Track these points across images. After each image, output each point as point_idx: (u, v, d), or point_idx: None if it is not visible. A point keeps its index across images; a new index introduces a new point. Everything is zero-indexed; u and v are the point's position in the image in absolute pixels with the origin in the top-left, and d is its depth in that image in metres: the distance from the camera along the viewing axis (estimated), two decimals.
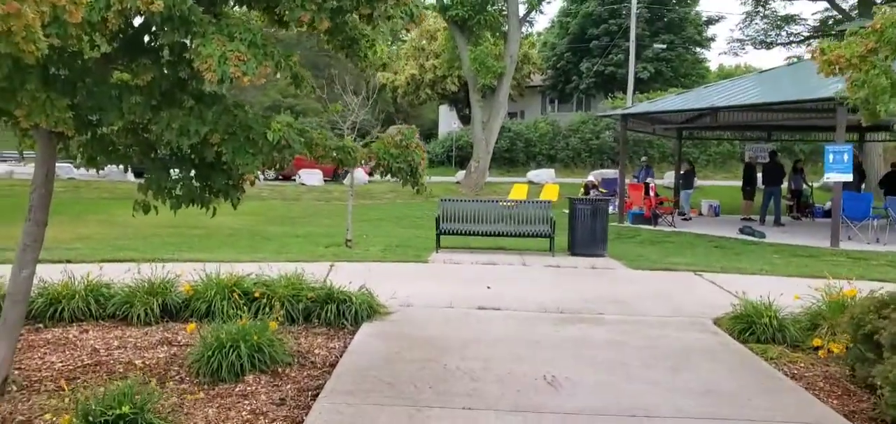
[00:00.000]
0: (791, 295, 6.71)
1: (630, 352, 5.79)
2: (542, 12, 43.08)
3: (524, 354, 5.62)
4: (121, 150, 4.58)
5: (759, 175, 18.71)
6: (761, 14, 31.33)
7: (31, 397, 4.42)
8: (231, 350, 4.84)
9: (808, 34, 31.16)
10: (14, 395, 4.42)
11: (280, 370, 5.05)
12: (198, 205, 4.44)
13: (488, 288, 8.17)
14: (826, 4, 29.77)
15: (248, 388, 4.69)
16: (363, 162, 4.84)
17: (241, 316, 5.50)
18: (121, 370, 5.03)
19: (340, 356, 5.45)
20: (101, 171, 4.79)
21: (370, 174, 27.61)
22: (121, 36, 4.19)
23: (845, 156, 13.19)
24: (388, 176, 4.70)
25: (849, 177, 13.40)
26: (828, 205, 19.23)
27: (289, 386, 4.77)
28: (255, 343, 4.96)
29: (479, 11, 25.12)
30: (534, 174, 29.17)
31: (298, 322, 6.34)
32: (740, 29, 32.58)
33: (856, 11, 27.06)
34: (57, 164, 4.61)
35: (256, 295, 6.34)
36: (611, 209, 13.78)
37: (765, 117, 17.10)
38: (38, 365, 5.12)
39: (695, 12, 40.73)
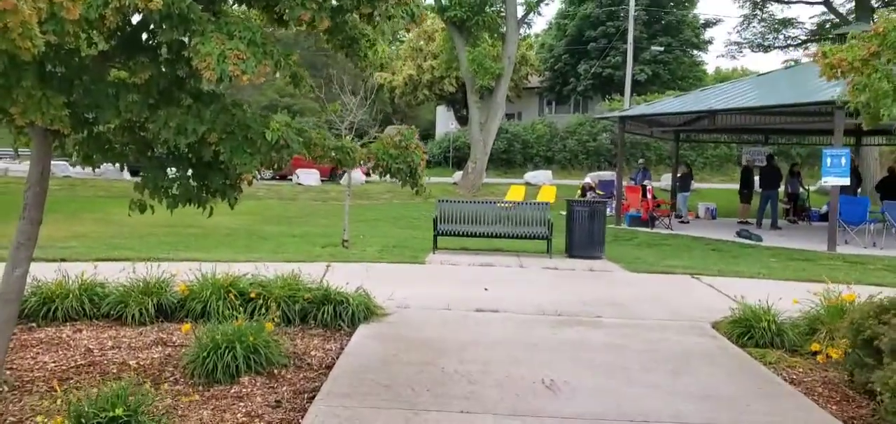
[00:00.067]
0: (789, 299, 6.70)
1: (629, 356, 5.77)
2: (540, 14, 43.26)
3: (522, 357, 5.59)
4: (117, 149, 4.54)
5: (757, 178, 18.72)
6: (759, 17, 31.38)
7: (22, 398, 4.37)
8: (226, 351, 4.80)
9: (805, 38, 31.24)
10: (5, 396, 4.37)
11: (276, 371, 5.01)
12: (194, 204, 4.40)
13: (486, 289, 8.14)
14: (823, 8, 29.87)
15: (244, 390, 4.65)
16: (362, 162, 4.80)
17: (236, 317, 5.45)
18: (115, 370, 4.98)
19: (337, 358, 5.40)
20: (97, 170, 4.74)
21: (367, 174, 27.50)
22: (118, 33, 4.14)
23: (843, 160, 13.19)
24: (387, 176, 4.66)
25: (846, 181, 13.40)
26: (824, 208, 19.24)
27: (285, 388, 4.73)
28: (250, 344, 4.92)
29: (477, 12, 25.10)
30: (531, 175, 29.17)
31: (294, 323, 6.30)
32: (738, 32, 32.74)
33: (852, 16, 27.16)
34: (52, 162, 4.57)
35: (252, 295, 6.29)
36: (608, 211, 13.75)
37: (762, 120, 17.11)
38: (31, 366, 5.06)
39: (692, 15, 40.81)
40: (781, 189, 18.69)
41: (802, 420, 4.52)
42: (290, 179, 26.47)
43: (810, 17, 50.23)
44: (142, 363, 5.18)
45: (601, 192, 19.86)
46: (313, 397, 4.52)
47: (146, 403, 3.84)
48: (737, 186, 20.83)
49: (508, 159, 33.95)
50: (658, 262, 10.98)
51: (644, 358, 5.71)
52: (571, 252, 11.32)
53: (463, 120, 36.95)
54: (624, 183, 19.36)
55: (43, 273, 6.59)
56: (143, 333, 5.97)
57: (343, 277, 7.43)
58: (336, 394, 4.57)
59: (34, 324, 6.10)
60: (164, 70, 4.10)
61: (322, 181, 26.75)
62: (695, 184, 21.93)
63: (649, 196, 17.47)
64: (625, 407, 4.59)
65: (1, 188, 21.76)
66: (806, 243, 14.14)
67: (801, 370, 5.62)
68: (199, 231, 13.07)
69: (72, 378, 4.80)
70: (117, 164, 4.63)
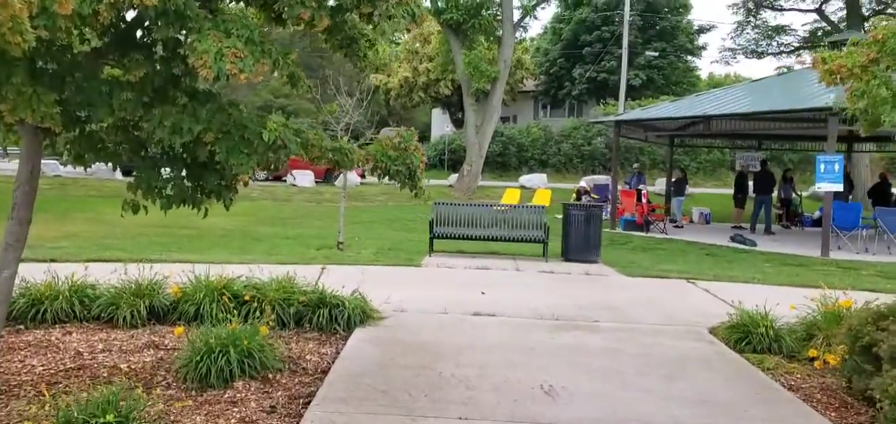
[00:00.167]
0: (784, 304, 6.67)
1: (626, 360, 5.73)
2: (536, 18, 43.24)
3: (520, 361, 5.54)
4: (110, 148, 4.45)
5: (751, 183, 18.76)
6: (752, 24, 31.54)
7: (9, 403, 4.26)
8: (220, 355, 4.72)
9: (798, 45, 31.41)
10: None
11: (270, 376, 4.93)
12: (189, 205, 4.32)
13: (483, 293, 8.09)
14: (815, 16, 30.05)
15: (238, 395, 4.57)
16: (360, 164, 4.74)
17: (230, 320, 5.37)
18: (105, 374, 4.89)
19: (333, 362, 5.33)
20: (88, 169, 4.66)
21: (362, 176, 27.47)
22: (112, 30, 4.07)
23: (836, 166, 13.23)
24: (386, 178, 4.60)
25: (839, 187, 13.44)
26: (817, 214, 19.32)
27: (279, 393, 4.66)
28: (245, 348, 4.84)
29: (473, 15, 25.09)
30: (526, 179, 29.16)
31: (289, 326, 6.22)
32: (732, 38, 32.84)
33: (844, 24, 27.35)
34: (42, 161, 4.48)
35: (246, 298, 6.21)
36: (603, 215, 13.72)
37: (756, 126, 17.16)
38: (18, 369, 4.96)
39: (686, 21, 40.96)
40: (774, 194, 18.74)
41: None
42: (285, 180, 26.35)
43: (803, 25, 50.64)
44: (133, 367, 5.09)
45: (596, 196, 19.85)
46: (309, 402, 4.45)
47: (138, 408, 3.76)
48: (730, 191, 20.87)
49: (503, 162, 33.95)
50: (653, 266, 10.96)
51: (641, 363, 5.67)
52: (567, 255, 11.29)
53: (458, 122, 36.94)
54: (619, 187, 19.36)
55: (32, 274, 6.48)
56: (134, 336, 5.87)
57: (338, 280, 7.35)
58: (332, 399, 4.50)
59: (22, 326, 5.99)
60: (158, 68, 4.03)
61: (316, 182, 26.65)
62: (689, 189, 21.95)
63: (644, 200, 17.46)
64: (623, 413, 4.55)
65: None
66: (799, 248, 14.16)
67: (798, 376, 5.60)
68: (192, 232, 12.96)
69: (61, 383, 4.70)
70: (109, 164, 4.55)
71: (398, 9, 3.89)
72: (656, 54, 37.51)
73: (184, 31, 3.66)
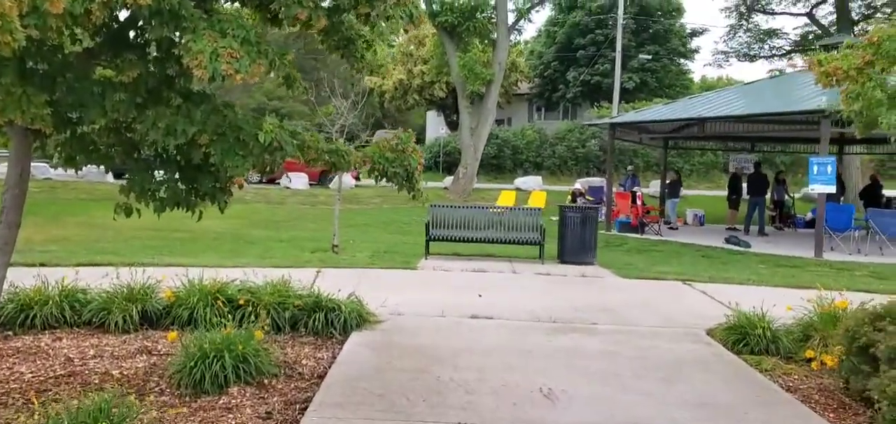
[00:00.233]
0: (780, 305, 6.65)
1: (624, 363, 5.70)
2: (530, 21, 43.24)
3: (518, 364, 5.50)
4: (102, 150, 4.38)
5: (744, 185, 18.81)
6: (745, 27, 31.67)
7: None
8: (215, 360, 4.65)
9: (790, 48, 31.56)
10: None
11: (266, 381, 4.87)
12: (183, 208, 4.26)
13: (480, 296, 8.04)
14: (806, 20, 30.22)
15: (233, 401, 4.51)
16: (357, 166, 4.69)
17: (225, 325, 5.31)
18: (96, 381, 4.82)
19: (329, 367, 5.28)
20: (79, 172, 4.58)
21: (357, 178, 27.37)
22: (104, 30, 4.01)
23: (829, 168, 13.27)
24: (383, 180, 4.55)
25: (832, 189, 13.48)
26: (809, 215, 19.37)
27: (275, 399, 4.60)
28: (240, 353, 4.77)
29: (468, 18, 25.08)
30: (521, 181, 29.16)
31: (284, 331, 6.16)
32: (724, 41, 32.95)
33: (834, 28, 27.51)
34: (32, 164, 4.41)
35: (241, 302, 6.14)
36: (599, 217, 13.71)
37: (749, 128, 17.20)
38: (6, 376, 4.87)
39: (679, 24, 41.08)
40: (768, 196, 18.79)
41: None
42: (278, 183, 26.24)
43: (794, 28, 50.93)
44: (125, 373, 5.02)
45: (591, 198, 19.85)
46: (305, 408, 4.39)
47: (130, 415, 3.70)
48: (723, 193, 20.91)
49: (498, 164, 33.95)
50: (649, 268, 10.95)
51: (639, 366, 5.64)
52: (563, 257, 11.26)
53: (453, 125, 36.89)
54: (614, 189, 19.37)
55: (21, 278, 6.37)
56: (126, 341, 5.80)
57: (334, 283, 7.29)
58: (329, 405, 4.44)
59: (11, 333, 5.89)
60: (152, 69, 3.96)
61: (310, 185, 26.54)
62: (683, 191, 21.99)
63: (639, 202, 17.47)
64: (622, 416, 4.52)
65: None
66: (793, 249, 14.19)
67: (796, 377, 5.59)
68: (185, 235, 12.86)
69: (50, 390, 4.62)
70: (101, 167, 4.47)
71: (396, 9, 3.85)
72: (649, 57, 37.60)
73: (178, 31, 3.60)
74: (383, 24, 3.99)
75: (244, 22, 3.71)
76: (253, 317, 5.85)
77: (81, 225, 14.87)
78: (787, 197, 20.01)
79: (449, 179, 27.57)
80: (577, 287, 9.22)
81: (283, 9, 3.63)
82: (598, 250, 11.69)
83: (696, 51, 43.71)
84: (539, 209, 12.33)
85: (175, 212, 4.42)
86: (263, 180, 25.46)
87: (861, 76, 4.80)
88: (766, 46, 31.66)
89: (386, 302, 7.15)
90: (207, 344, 4.75)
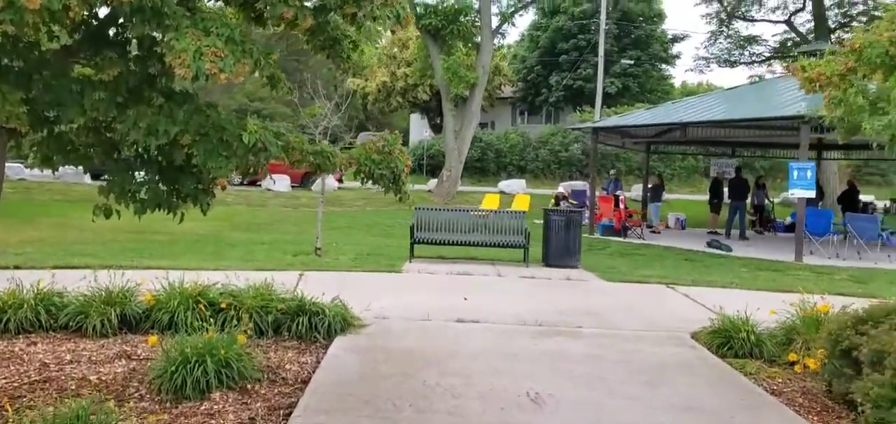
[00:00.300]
0: (762, 308, 6.67)
1: (610, 367, 5.69)
2: (513, 25, 43.29)
3: (504, 368, 5.46)
4: (80, 150, 4.27)
5: (726, 189, 18.97)
6: (725, 34, 32.03)
7: None
8: (197, 365, 4.56)
9: (769, 55, 31.96)
10: None
11: (249, 386, 4.78)
12: (164, 209, 4.16)
13: (465, 299, 8.00)
14: (785, 27, 30.65)
15: (215, 407, 4.42)
16: (342, 168, 4.63)
17: (206, 329, 5.20)
18: (73, 387, 4.69)
19: (313, 371, 5.20)
20: (55, 172, 4.47)
21: (340, 180, 27.21)
22: (83, 27, 3.91)
23: (808, 173, 13.42)
24: (370, 182, 4.49)
25: (812, 194, 13.63)
26: (789, 220, 19.60)
27: (259, 404, 4.51)
28: (222, 357, 4.69)
29: (452, 21, 25.06)
30: (505, 184, 29.19)
31: (267, 335, 6.06)
32: (705, 47, 33.29)
33: (812, 35, 27.94)
34: (6, 164, 4.28)
35: (223, 305, 6.04)
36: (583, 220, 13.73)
37: (730, 133, 17.36)
38: None
39: (661, 30, 41.44)
40: (748, 200, 18.97)
41: None
42: (259, 185, 25.98)
43: (773, 35, 51.48)
44: (104, 378, 4.90)
45: (574, 202, 19.90)
46: (289, 413, 4.32)
47: (109, 422, 3.60)
48: (704, 197, 21.07)
49: (482, 168, 33.96)
50: (633, 272, 10.98)
51: (625, 370, 5.63)
52: (548, 261, 11.26)
53: (437, 128, 36.85)
54: (596, 193, 19.45)
55: None
56: (104, 346, 5.67)
57: (317, 286, 7.20)
58: (313, 410, 4.37)
59: None
60: (133, 67, 3.88)
61: (293, 187, 26.33)
62: (665, 195, 22.13)
63: (622, 206, 17.55)
64: (610, 421, 4.51)
65: None
66: (773, 253, 14.32)
67: (780, 380, 5.61)
68: (165, 237, 12.68)
69: (25, 396, 4.49)
70: (78, 167, 4.37)
71: (384, 10, 3.80)
72: (631, 62, 37.88)
73: (160, 30, 3.52)
74: (370, 25, 3.93)
75: (228, 21, 3.64)
76: (235, 321, 5.75)
77: (57, 226, 14.60)
78: (766, 201, 20.22)
79: (433, 182, 27.53)
80: (561, 290, 9.22)
81: (268, 7, 3.56)
82: (582, 253, 11.70)
83: (677, 56, 44.06)
84: (523, 212, 12.31)
85: (155, 213, 4.33)
86: (244, 182, 25.22)
87: (843, 82, 4.85)
88: (746, 53, 32.05)
89: (370, 306, 7.08)
90: (189, 348, 4.65)
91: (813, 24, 27.85)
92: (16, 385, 4.73)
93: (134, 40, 3.84)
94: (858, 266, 12.84)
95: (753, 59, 32.27)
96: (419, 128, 41.43)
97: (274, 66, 4.04)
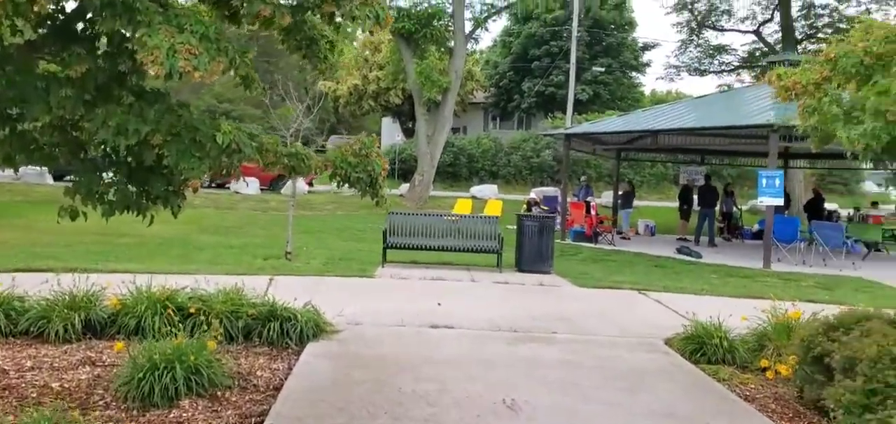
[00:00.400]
0: (732, 314, 6.72)
1: (584, 373, 5.68)
2: (487, 30, 43.30)
3: (479, 375, 5.42)
4: (45, 149, 4.10)
5: (695, 197, 19.23)
6: (695, 43, 32.56)
7: None
8: (165, 371, 4.43)
9: (738, 64, 32.59)
10: None
11: (219, 393, 4.66)
12: (133, 211, 4.02)
13: (439, 304, 7.94)
14: (754, 37, 31.30)
15: (184, 414, 4.29)
16: (317, 170, 4.53)
17: (175, 334, 5.06)
18: (35, 395, 4.52)
19: (285, 378, 5.09)
20: (17, 172, 4.29)
21: (310, 184, 26.92)
22: (49, 21, 3.77)
23: (777, 181, 13.68)
24: (346, 186, 4.41)
25: (781, 201, 13.89)
26: (756, 227, 19.95)
27: (229, 412, 4.39)
28: (191, 364, 4.56)
29: (425, 25, 25.00)
30: (477, 189, 29.20)
31: (238, 340, 5.93)
32: (676, 56, 33.82)
33: (779, 45, 28.57)
34: None
35: (192, 310, 5.89)
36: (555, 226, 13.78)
37: (699, 141, 17.62)
38: None
39: (632, 38, 41.96)
40: (717, 208, 19.26)
41: None
42: (228, 188, 25.57)
43: (742, 45, 52.71)
44: (67, 386, 4.73)
45: (546, 208, 19.99)
46: (261, 421, 4.21)
47: None
48: (673, 204, 21.33)
49: (454, 172, 33.95)
50: (605, 277, 11.04)
51: (600, 376, 5.63)
52: (521, 266, 11.26)
53: (409, 132, 36.74)
54: (568, 199, 19.56)
55: None
56: (68, 352, 5.48)
57: (288, 291, 7.08)
58: (286, 418, 4.27)
59: None
60: (102, 64, 3.73)
61: (262, 190, 25.97)
62: (635, 202, 22.36)
63: (593, 212, 17.67)
64: None
65: None
66: (742, 260, 14.54)
67: (753, 386, 5.66)
68: (131, 240, 12.37)
69: None
70: (41, 168, 4.20)
71: (363, 10, 3.72)
72: (603, 70, 38.27)
73: (131, 26, 3.39)
74: (349, 26, 3.85)
75: (203, 18, 3.53)
76: (205, 327, 5.60)
77: (18, 228, 14.15)
78: (735, 208, 20.55)
79: (405, 186, 27.41)
80: (535, 296, 9.22)
81: (245, 5, 3.46)
82: (555, 259, 11.73)
83: (647, 64, 44.98)
84: (496, 217, 12.31)
85: (122, 216, 4.18)
86: (213, 184, 24.81)
87: (818, 91, 4.91)
88: (716, 62, 32.63)
89: (343, 312, 6.98)
90: (157, 354, 4.52)
91: (780, 34, 28.47)
92: None
93: (103, 36, 3.70)
94: (824, 273, 13.11)
95: (723, 68, 32.87)
96: (391, 132, 41.29)
97: (249, 66, 3.94)
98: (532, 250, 11.27)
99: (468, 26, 26.87)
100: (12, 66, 3.61)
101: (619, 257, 14.68)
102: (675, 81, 70.80)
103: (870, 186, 40.27)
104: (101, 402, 4.44)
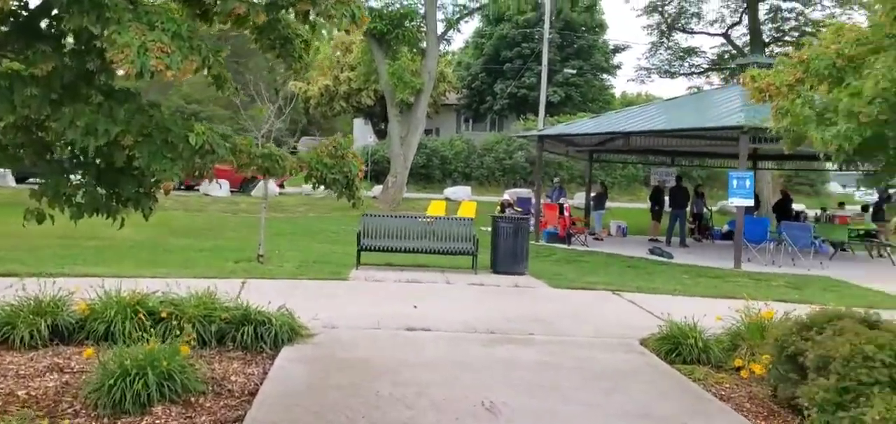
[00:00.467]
0: (705, 313, 6.79)
1: (563, 374, 5.69)
2: (459, 31, 43.31)
3: (458, 377, 5.38)
4: (9, 150, 3.95)
5: (667, 198, 19.46)
6: (665, 45, 33.00)
7: None
8: (137, 377, 4.30)
9: (707, 66, 33.11)
10: None
11: (193, 400, 4.55)
12: (103, 214, 3.90)
13: (415, 307, 7.89)
14: (723, 40, 31.86)
15: (157, 421, 4.18)
16: (292, 172, 4.46)
17: (147, 339, 4.93)
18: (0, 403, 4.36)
19: (260, 383, 5.00)
20: None
21: (281, 186, 26.63)
22: (11, 18, 3.63)
23: (747, 183, 13.90)
24: (321, 187, 4.34)
25: (751, 202, 14.11)
26: (726, 227, 20.26)
27: (204, 418, 4.29)
28: (164, 369, 4.44)
29: (397, 26, 24.92)
30: (450, 191, 29.19)
31: (211, 345, 5.80)
32: (646, 58, 34.22)
33: (747, 48, 29.13)
34: None
35: (163, 315, 5.75)
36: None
37: (670, 143, 17.83)
38: None
39: (603, 41, 42.41)
40: (687, 208, 19.52)
41: None
42: (197, 189, 25.16)
43: (711, 48, 53.65)
44: (33, 394, 4.57)
45: (519, 209, 20.05)
46: None
47: None
48: (645, 205, 21.56)
49: (427, 174, 33.91)
50: (579, 278, 11.10)
51: (578, 377, 5.64)
52: (496, 268, 11.26)
53: (381, 133, 36.59)
54: (542, 200, 19.65)
55: None
56: (34, 358, 5.31)
57: (261, 295, 6.97)
58: (262, 423, 4.18)
59: None
60: (68, 62, 3.61)
61: (232, 192, 25.62)
62: (607, 203, 22.56)
63: (566, 213, 17.77)
64: None
65: None
66: (712, 260, 14.74)
67: (728, 386, 5.71)
68: (99, 243, 12.08)
69: None
70: (3, 170, 4.05)
71: (339, 8, 3.65)
72: (574, 72, 38.59)
73: (100, 23, 3.28)
74: (325, 25, 3.78)
75: (174, 16, 3.44)
76: (177, 331, 5.48)
77: None
78: (705, 209, 20.84)
79: (378, 188, 27.27)
80: (510, 297, 9.22)
81: (218, 3, 3.37)
82: (529, 260, 11.76)
83: (618, 66, 45.28)
84: (471, 219, 12.29)
85: (89, 219, 4.05)
86: (182, 186, 24.40)
87: (791, 93, 4.98)
88: (686, 64, 33.10)
89: (318, 315, 6.90)
90: (129, 360, 4.39)
91: (749, 37, 29.03)
92: None
93: (70, 33, 3.58)
94: (793, 272, 13.35)
95: (692, 70, 33.38)
96: (363, 134, 41.09)
97: (222, 65, 3.84)
98: (507, 251, 11.28)
99: (440, 27, 26.89)
100: None
101: (593, 258, 14.78)
102: (646, 83, 71.79)
103: (835, 187, 41.26)
104: (69, 410, 4.30)
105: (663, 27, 32.12)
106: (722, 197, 27.00)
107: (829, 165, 21.01)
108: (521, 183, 32.85)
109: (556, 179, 24.73)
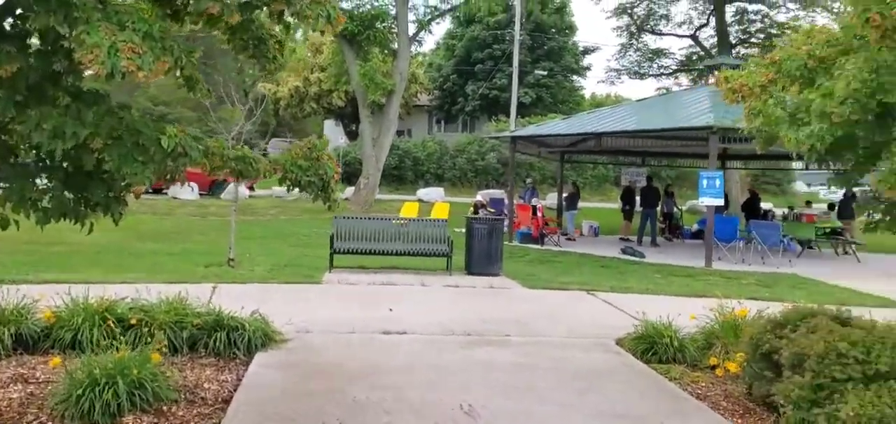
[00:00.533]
0: (678, 312, 6.86)
1: (539, 375, 5.69)
2: (430, 32, 43.32)
3: (435, 380, 5.35)
4: None
5: (638, 198, 19.68)
6: (635, 47, 33.41)
7: None
8: (106, 387, 4.18)
9: (676, 68, 33.62)
10: None
11: (165, 408, 4.43)
12: (71, 219, 3.77)
13: (390, 309, 7.82)
14: (691, 41, 32.37)
15: None
16: (266, 174, 4.37)
17: (116, 347, 4.79)
18: None
19: (234, 390, 4.89)
20: None
21: (251, 189, 26.29)
22: None
23: (717, 182, 14.12)
24: (296, 190, 4.26)
25: (721, 201, 14.32)
26: (696, 227, 20.55)
27: None
28: (135, 378, 4.32)
29: (368, 27, 24.77)
30: (423, 192, 29.13)
31: (182, 352, 5.67)
32: (616, 60, 34.63)
33: (715, 49, 29.65)
34: None
35: (133, 321, 5.60)
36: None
37: (641, 143, 18.03)
38: None
39: (573, 42, 42.78)
40: (658, 208, 19.74)
41: None
42: (165, 193, 24.70)
43: (680, 49, 54.53)
44: None
45: (492, 210, 20.09)
46: None
47: None
48: (616, 205, 21.76)
49: (400, 176, 33.80)
50: (553, 279, 11.14)
51: (555, 378, 5.64)
52: (470, 269, 11.23)
53: (352, 134, 36.38)
54: (515, 201, 19.71)
55: None
56: None
57: (233, 299, 6.83)
58: None
59: None
60: (34, 63, 3.48)
61: (201, 195, 25.19)
62: (579, 204, 22.72)
63: (539, 214, 17.85)
64: None
65: None
66: (684, 259, 14.93)
67: (703, 384, 5.76)
68: (64, 248, 11.76)
69: None
70: None
71: (314, 8, 3.59)
72: (545, 73, 38.87)
73: (67, 23, 3.17)
74: (299, 26, 3.71)
75: (145, 16, 3.34)
76: (148, 338, 5.34)
77: None
78: (675, 209, 21.11)
79: (350, 190, 27.08)
80: (486, 298, 9.20)
81: (191, 3, 3.29)
82: (503, 261, 11.76)
83: (588, 68, 45.79)
84: (445, 220, 12.26)
85: (54, 224, 3.91)
86: (150, 189, 23.92)
87: (764, 93, 5.05)
88: (655, 65, 33.58)
89: (292, 320, 6.79)
90: (97, 368, 4.26)
91: (716, 39, 29.53)
92: None
93: (36, 33, 3.46)
94: (763, 270, 13.59)
95: (661, 71, 33.88)
96: (334, 135, 40.78)
97: (194, 66, 3.75)
98: (481, 253, 11.27)
99: (412, 28, 26.80)
100: None
101: (566, 258, 14.86)
102: (616, 84, 72.46)
103: (800, 186, 42.19)
104: (35, 422, 4.16)
105: (632, 29, 32.53)
106: (691, 196, 27.44)
107: (795, 164, 21.48)
108: (493, 184, 32.94)
109: (528, 180, 24.82)
